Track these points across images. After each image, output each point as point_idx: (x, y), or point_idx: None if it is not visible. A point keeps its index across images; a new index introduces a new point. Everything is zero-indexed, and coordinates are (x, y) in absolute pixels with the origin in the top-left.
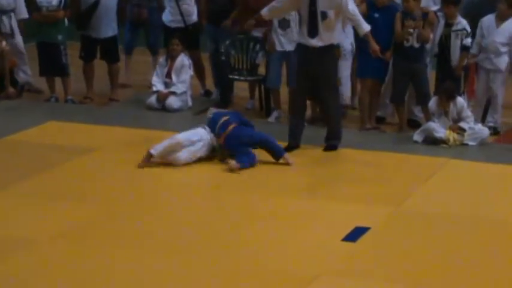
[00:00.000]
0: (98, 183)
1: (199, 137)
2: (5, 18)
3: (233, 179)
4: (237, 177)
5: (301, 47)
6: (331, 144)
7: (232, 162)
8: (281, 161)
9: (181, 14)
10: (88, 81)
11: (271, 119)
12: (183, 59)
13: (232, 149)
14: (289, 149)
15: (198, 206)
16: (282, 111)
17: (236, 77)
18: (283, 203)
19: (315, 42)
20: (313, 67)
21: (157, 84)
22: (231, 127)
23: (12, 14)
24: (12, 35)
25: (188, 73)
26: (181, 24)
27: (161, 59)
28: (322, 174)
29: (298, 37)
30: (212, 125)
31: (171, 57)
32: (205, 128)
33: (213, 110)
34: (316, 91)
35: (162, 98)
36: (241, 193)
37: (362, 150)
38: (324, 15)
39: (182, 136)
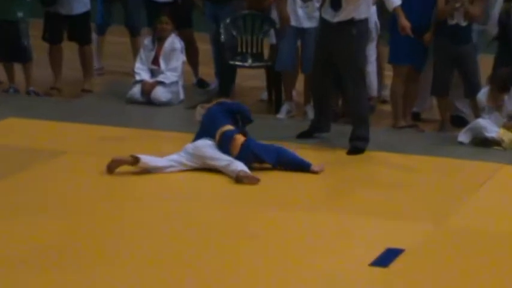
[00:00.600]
0: (66, 195)
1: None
2: None
3: (236, 187)
4: (240, 186)
5: (322, 22)
6: (356, 146)
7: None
8: (314, 168)
9: None
10: (55, 68)
11: (281, 114)
12: (174, 41)
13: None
14: (311, 131)
15: (189, 218)
16: (294, 104)
17: (238, 63)
18: (298, 218)
19: (336, 16)
20: (331, 46)
21: (142, 72)
22: (239, 144)
23: None
24: None
25: (180, 59)
26: None
27: (146, 41)
28: (346, 183)
29: (321, 11)
30: (209, 133)
31: (159, 39)
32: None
33: (202, 111)
34: (337, 77)
35: (147, 89)
36: (245, 205)
37: (395, 153)
38: None
39: (185, 159)
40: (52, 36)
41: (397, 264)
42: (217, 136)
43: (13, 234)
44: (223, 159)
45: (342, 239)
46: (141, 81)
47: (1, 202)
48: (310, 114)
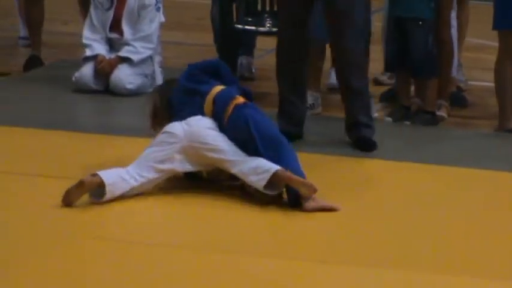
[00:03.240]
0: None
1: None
2: None
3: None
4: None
5: None
6: (362, 136)
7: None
8: (307, 205)
9: None
10: None
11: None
12: None
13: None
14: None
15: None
16: (320, 94)
17: (249, 26)
18: (318, 273)
19: None
20: None
21: (94, 44)
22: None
23: None
24: None
25: (155, 20)
26: None
27: None
28: (395, 221)
29: None
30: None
31: None
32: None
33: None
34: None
35: (104, 69)
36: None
37: (492, 171)
38: None
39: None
40: None
41: None
42: (207, 107)
43: None
44: (232, 152)
45: None
46: (95, 57)
47: None
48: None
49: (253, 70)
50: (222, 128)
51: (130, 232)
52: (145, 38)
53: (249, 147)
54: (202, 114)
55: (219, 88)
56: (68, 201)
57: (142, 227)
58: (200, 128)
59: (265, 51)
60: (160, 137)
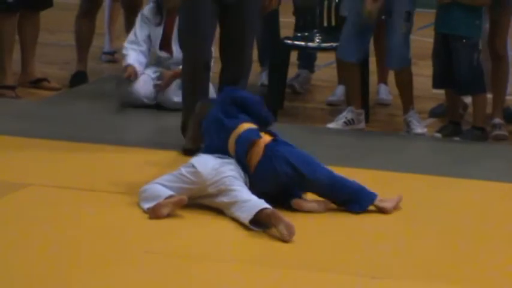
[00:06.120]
0: (27, 244)
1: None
2: None
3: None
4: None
5: None
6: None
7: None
8: (384, 204)
9: None
10: (10, 51)
11: (335, 123)
12: None
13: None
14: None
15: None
16: (360, 111)
17: (301, 42)
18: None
19: None
20: None
21: (130, 52)
22: (260, 150)
23: None
24: None
25: None
26: None
27: (146, 11)
28: (446, 237)
29: None
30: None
31: (168, 11)
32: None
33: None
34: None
35: (161, 85)
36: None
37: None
38: None
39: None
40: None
41: None
42: (231, 143)
43: None
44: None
45: None
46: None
47: None
48: (416, 126)
49: (307, 86)
50: (246, 170)
51: (180, 246)
52: None
53: (286, 187)
54: (226, 148)
55: (244, 126)
56: (157, 215)
57: (192, 241)
58: (228, 176)
59: (317, 67)
60: (186, 169)
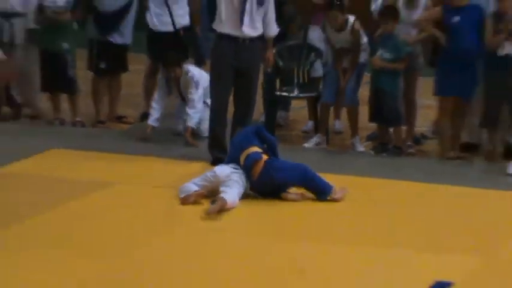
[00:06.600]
0: (113, 229)
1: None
2: (6, 25)
3: (269, 221)
4: (267, 220)
5: None
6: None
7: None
8: (335, 195)
9: None
10: (99, 99)
11: (309, 143)
12: (188, 75)
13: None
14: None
15: (229, 253)
16: (324, 137)
17: (285, 93)
18: (333, 253)
19: None
20: None
21: (156, 111)
22: (260, 168)
23: (16, 21)
24: (12, 45)
25: (199, 87)
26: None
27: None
28: (384, 216)
29: None
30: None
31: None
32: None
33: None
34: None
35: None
36: (278, 239)
37: (440, 184)
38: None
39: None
40: (107, 66)
41: None
42: (242, 159)
43: (56, 267)
44: (227, 185)
45: (391, 272)
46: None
47: (44, 234)
48: (358, 146)
49: (287, 121)
50: (250, 178)
51: (203, 221)
52: (191, 104)
53: (280, 188)
54: (239, 161)
55: (252, 149)
56: (185, 202)
57: (212, 218)
58: (234, 178)
59: (295, 108)
60: (210, 173)
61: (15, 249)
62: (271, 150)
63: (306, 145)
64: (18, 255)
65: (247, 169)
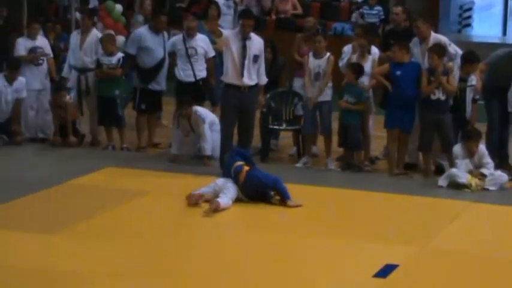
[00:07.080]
0: (150, 224)
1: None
2: (82, 77)
3: (262, 217)
4: (259, 216)
5: None
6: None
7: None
8: (290, 203)
9: None
10: (143, 131)
11: (299, 164)
12: (197, 118)
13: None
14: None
15: (234, 244)
16: (311, 158)
17: (276, 127)
18: (306, 243)
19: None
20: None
21: (177, 145)
22: (244, 173)
23: (90, 74)
24: (88, 91)
25: (206, 123)
26: None
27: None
28: (346, 215)
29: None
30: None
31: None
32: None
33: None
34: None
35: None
36: (266, 232)
37: (389, 193)
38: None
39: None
40: (147, 107)
41: (394, 276)
42: (232, 172)
43: (111, 252)
44: (223, 192)
45: (346, 258)
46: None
47: (103, 229)
48: (330, 164)
49: (278, 147)
50: (238, 184)
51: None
52: (203, 139)
53: (260, 189)
54: (231, 174)
55: (236, 164)
56: (190, 204)
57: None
58: (229, 186)
59: (283, 137)
60: (213, 183)
61: (97, 237)
62: (248, 160)
63: (297, 165)
64: (102, 241)
65: (235, 178)
